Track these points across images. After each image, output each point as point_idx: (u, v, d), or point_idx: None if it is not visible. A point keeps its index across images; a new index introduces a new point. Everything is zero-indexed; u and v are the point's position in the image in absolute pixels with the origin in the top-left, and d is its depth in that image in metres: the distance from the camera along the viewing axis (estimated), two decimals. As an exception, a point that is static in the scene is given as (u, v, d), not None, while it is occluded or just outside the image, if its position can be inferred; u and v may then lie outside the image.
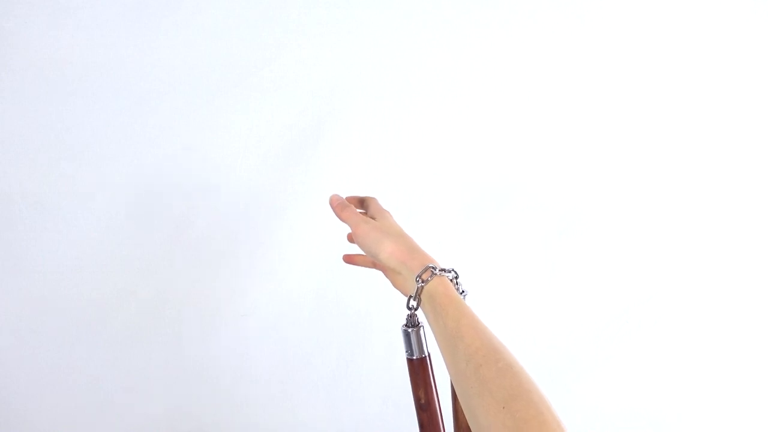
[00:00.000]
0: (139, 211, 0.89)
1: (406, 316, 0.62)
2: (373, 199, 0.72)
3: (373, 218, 0.68)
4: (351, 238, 0.73)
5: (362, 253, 0.70)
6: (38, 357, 0.91)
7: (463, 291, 0.62)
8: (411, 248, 0.62)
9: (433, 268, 0.59)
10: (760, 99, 1.02)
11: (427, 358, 0.63)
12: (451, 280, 0.60)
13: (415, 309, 0.60)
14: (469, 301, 0.59)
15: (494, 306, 1.04)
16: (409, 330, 0.63)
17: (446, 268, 0.60)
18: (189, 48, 0.84)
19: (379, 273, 0.71)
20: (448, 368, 0.54)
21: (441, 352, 0.56)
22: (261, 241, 0.95)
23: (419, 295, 0.59)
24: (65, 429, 0.95)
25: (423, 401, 0.63)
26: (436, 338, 0.57)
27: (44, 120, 0.83)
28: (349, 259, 0.74)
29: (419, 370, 0.63)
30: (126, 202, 0.88)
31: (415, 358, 0.63)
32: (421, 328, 0.63)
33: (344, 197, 0.71)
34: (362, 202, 0.72)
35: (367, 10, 0.88)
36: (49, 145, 0.84)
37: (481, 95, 0.95)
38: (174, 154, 0.88)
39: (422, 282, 0.58)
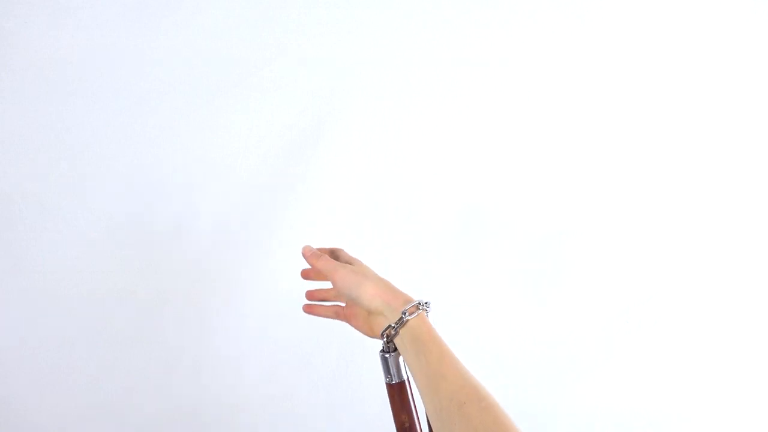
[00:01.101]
0: (139, 211, 0.89)
1: (382, 343, 0.63)
2: (341, 249, 0.74)
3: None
4: (310, 296, 0.74)
5: (322, 303, 0.72)
6: (38, 357, 0.91)
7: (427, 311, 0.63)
8: (392, 289, 0.64)
9: (418, 303, 0.61)
10: (759, 99, 1.02)
11: (407, 381, 0.64)
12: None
13: (392, 338, 0.61)
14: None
15: (494, 306, 1.04)
16: (388, 355, 0.63)
17: (421, 301, 0.62)
18: (189, 48, 0.84)
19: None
20: (426, 405, 0.56)
21: (419, 389, 0.57)
22: (261, 241, 0.95)
23: (400, 327, 0.60)
24: (65, 429, 0.95)
25: (407, 424, 0.64)
26: (414, 376, 0.58)
27: (44, 120, 0.83)
28: (309, 309, 0.74)
29: (400, 393, 0.64)
30: (126, 202, 0.88)
31: (395, 382, 0.64)
32: (399, 352, 0.64)
33: (315, 248, 0.71)
34: (332, 253, 0.73)
35: (367, 10, 0.88)
36: (49, 145, 0.84)
37: (481, 95, 0.95)
38: (174, 154, 0.88)
39: (408, 315, 0.60)
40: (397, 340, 0.61)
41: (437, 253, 0.99)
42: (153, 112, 0.86)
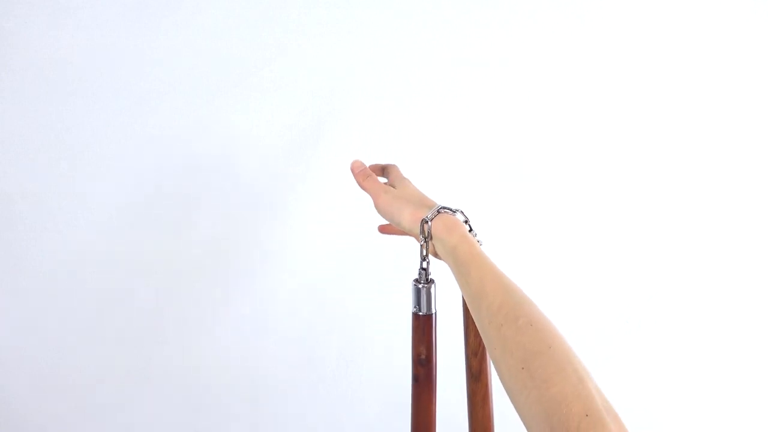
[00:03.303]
0: (139, 211, 0.89)
1: (418, 270, 0.62)
2: (394, 166, 0.71)
3: (393, 186, 0.67)
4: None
5: None
6: (38, 357, 0.91)
7: (478, 241, 0.61)
8: (431, 208, 0.61)
9: (439, 208, 0.59)
10: (760, 99, 1.02)
11: (434, 315, 0.63)
12: (466, 222, 0.60)
13: (424, 257, 0.60)
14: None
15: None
16: (420, 286, 0.62)
17: (452, 208, 0.60)
18: (189, 48, 0.84)
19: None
20: (477, 326, 0.54)
21: (470, 310, 0.55)
22: (261, 241, 0.95)
23: (427, 237, 0.59)
24: (65, 429, 0.95)
25: (423, 357, 0.63)
26: (463, 295, 0.57)
27: (44, 120, 0.83)
28: (383, 229, 0.74)
29: (425, 326, 0.63)
30: (126, 202, 0.88)
31: (422, 313, 0.63)
32: (433, 284, 0.62)
33: (367, 165, 0.70)
34: (384, 170, 0.71)
35: (367, 10, 0.88)
36: (49, 145, 0.84)
37: (481, 95, 0.95)
38: (174, 154, 0.88)
39: (428, 221, 0.58)
40: (446, 262, 0.59)
41: (437, 253, 0.99)
42: (153, 112, 0.86)
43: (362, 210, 0.96)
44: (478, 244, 0.59)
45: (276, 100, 0.89)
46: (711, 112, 1.02)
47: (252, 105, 0.88)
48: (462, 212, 0.61)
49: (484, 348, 0.64)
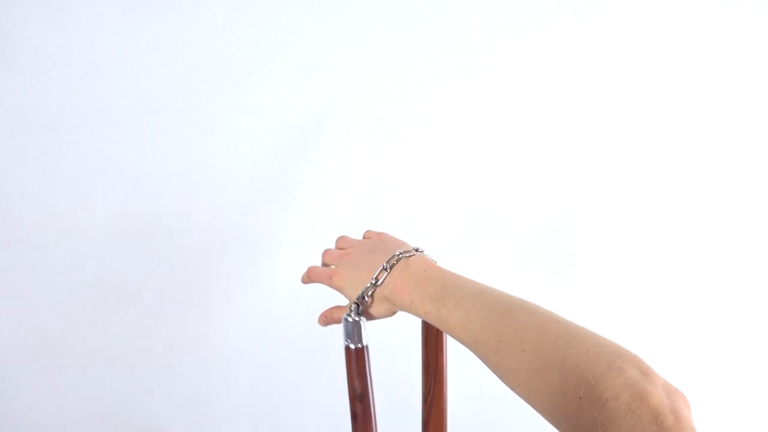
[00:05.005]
0: (139, 211, 0.89)
1: (351, 305, 0.63)
2: (313, 273, 0.71)
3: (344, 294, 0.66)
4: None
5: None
6: (38, 357, 0.91)
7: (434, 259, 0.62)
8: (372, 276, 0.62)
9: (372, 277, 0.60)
10: (760, 100, 1.02)
11: (365, 349, 0.63)
12: (399, 259, 0.61)
13: (358, 312, 0.62)
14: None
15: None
16: (350, 320, 0.63)
17: (383, 265, 0.60)
18: (189, 48, 0.84)
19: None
20: None
21: None
22: (261, 241, 0.95)
23: (369, 297, 0.61)
24: (65, 429, 0.95)
25: (359, 392, 0.63)
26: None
27: (44, 120, 0.83)
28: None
29: (357, 359, 0.63)
30: (126, 202, 0.88)
31: (353, 347, 0.63)
32: (362, 319, 0.63)
33: (324, 310, 0.69)
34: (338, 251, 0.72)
35: (367, 10, 0.88)
36: (49, 145, 0.84)
37: (481, 95, 0.95)
38: (174, 154, 0.88)
39: (373, 285, 0.60)
40: None
41: (437, 254, 0.99)
42: (153, 112, 0.86)
43: (362, 210, 0.96)
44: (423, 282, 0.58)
45: (276, 100, 0.89)
46: (712, 112, 1.01)
47: (252, 105, 0.88)
48: (396, 257, 0.61)
49: (432, 396, 0.65)
